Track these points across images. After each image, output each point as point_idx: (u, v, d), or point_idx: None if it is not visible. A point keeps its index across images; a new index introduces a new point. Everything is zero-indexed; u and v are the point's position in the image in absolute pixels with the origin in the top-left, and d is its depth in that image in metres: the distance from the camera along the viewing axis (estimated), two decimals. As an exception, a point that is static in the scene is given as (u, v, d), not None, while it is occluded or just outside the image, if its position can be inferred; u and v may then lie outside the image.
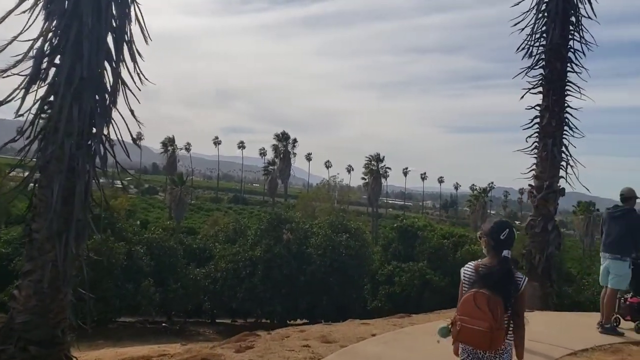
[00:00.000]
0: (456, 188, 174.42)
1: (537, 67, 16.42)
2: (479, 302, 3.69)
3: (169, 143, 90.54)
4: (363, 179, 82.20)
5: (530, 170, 16.78)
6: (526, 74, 16.46)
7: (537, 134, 16.52)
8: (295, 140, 78.88)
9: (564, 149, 16.28)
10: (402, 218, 26.57)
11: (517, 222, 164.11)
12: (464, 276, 4.15)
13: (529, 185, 16.88)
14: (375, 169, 77.67)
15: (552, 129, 16.07)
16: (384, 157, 78.33)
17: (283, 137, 78.21)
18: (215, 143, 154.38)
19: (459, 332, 3.76)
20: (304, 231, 21.68)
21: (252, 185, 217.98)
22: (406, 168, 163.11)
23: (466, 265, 4.15)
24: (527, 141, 16.71)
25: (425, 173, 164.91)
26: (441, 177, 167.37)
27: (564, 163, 16.27)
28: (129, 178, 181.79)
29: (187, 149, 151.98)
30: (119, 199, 77.50)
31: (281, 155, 77.61)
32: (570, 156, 16.23)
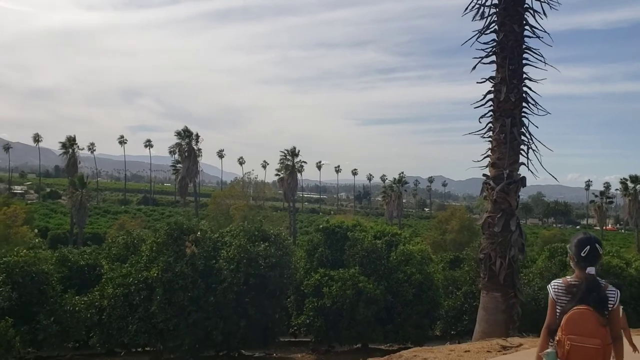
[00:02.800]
0: (369, 179, 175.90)
1: (490, 30, 13.61)
2: (587, 319, 3.68)
3: (68, 143, 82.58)
4: (277, 174, 78.85)
5: (485, 157, 14.01)
6: (477, 39, 13.59)
7: (491, 113, 13.75)
8: (198, 136, 73.97)
9: (524, 130, 13.62)
10: (327, 219, 23.27)
11: (426, 210, 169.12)
12: (555, 293, 4.00)
13: (484, 175, 14.07)
14: (290, 164, 74.43)
15: (510, 105, 13.26)
16: (299, 151, 75.33)
17: (185, 134, 73.15)
18: (120, 142, 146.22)
19: (569, 352, 3.66)
20: (212, 242, 17.78)
21: (164, 185, 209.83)
22: (320, 162, 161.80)
23: (554, 282, 4.07)
24: (480, 122, 13.92)
25: (339, 166, 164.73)
26: (354, 169, 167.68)
27: (524, 147, 13.61)
28: (28, 183, 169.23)
29: (91, 150, 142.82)
30: (11, 206, 69.89)
31: (185, 153, 72.49)
32: (532, 138, 13.59)
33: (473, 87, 13.76)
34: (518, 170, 13.59)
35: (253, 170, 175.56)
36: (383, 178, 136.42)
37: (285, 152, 75.32)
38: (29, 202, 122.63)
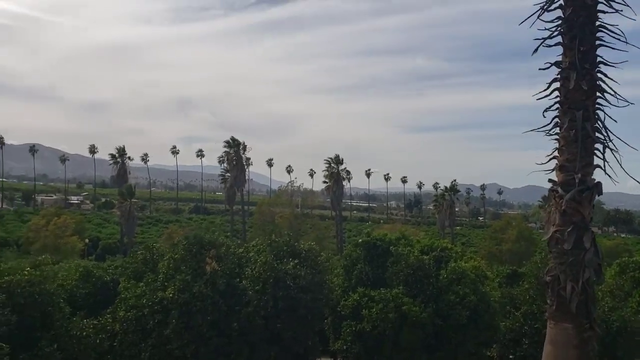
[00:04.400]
0: (420, 187, 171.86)
1: (555, 5, 11.28)
2: None
3: (118, 154, 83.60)
4: (325, 182, 77.00)
5: (551, 159, 11.64)
6: (539, 16, 11.29)
7: (558, 105, 11.38)
8: (245, 145, 73.25)
9: (598, 124, 11.16)
10: (368, 230, 21.00)
11: (480, 218, 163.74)
12: None
13: (550, 181, 11.67)
14: (335, 171, 72.59)
15: (581, 95, 10.88)
16: (342, 159, 73.51)
17: (233, 144, 72.55)
18: (173, 153, 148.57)
19: None
20: (236, 257, 15.90)
21: (215, 194, 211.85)
22: (369, 170, 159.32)
23: None
24: (544, 116, 11.55)
25: (388, 174, 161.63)
26: (404, 177, 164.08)
27: (599, 145, 11.14)
28: (85, 193, 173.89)
29: (145, 160, 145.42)
30: (62, 216, 70.75)
31: (233, 162, 71.84)
32: (609, 134, 11.10)
33: (528, 92, 11.44)
34: (592, 174, 11.12)
35: (296, 178, 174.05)
36: (435, 186, 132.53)
37: (330, 159, 73.58)
38: (84, 212, 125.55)
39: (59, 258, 55.13)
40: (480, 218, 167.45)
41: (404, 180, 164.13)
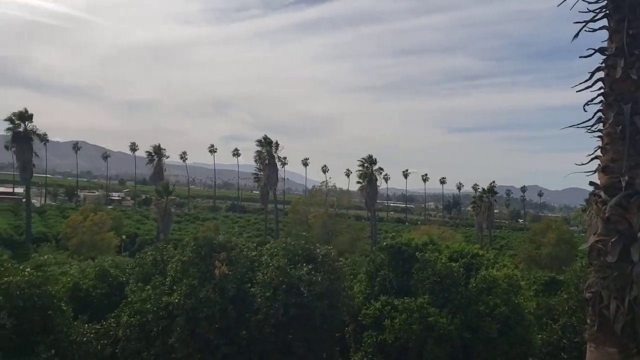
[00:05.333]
0: (459, 188, 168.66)
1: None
2: None
3: (154, 152, 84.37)
4: (359, 182, 75.85)
5: (592, 159, 10.28)
6: (582, -4, 9.94)
7: (602, 98, 10.00)
8: (277, 144, 72.72)
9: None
10: (393, 234, 19.79)
11: (519, 221, 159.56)
12: None
13: (591, 184, 10.31)
14: (369, 172, 71.38)
15: (630, 85, 9.48)
16: (376, 159, 72.19)
17: (265, 142, 72.11)
18: (211, 151, 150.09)
19: None
20: (249, 261, 14.94)
21: (252, 192, 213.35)
22: (406, 170, 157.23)
23: None
24: (585, 110, 10.19)
25: (426, 174, 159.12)
26: (443, 178, 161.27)
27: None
28: (126, 190, 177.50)
29: (184, 159, 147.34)
30: (99, 213, 71.70)
31: (266, 161, 71.40)
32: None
33: (569, 92, 10.03)
34: (641, 176, 9.70)
35: (330, 178, 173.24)
36: (474, 187, 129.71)
37: (363, 160, 72.40)
38: (124, 208, 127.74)
39: (95, 254, 55.70)
40: (520, 220, 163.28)
41: (442, 181, 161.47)
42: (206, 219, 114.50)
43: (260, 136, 75.95)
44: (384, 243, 18.48)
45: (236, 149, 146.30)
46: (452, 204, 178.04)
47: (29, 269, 14.81)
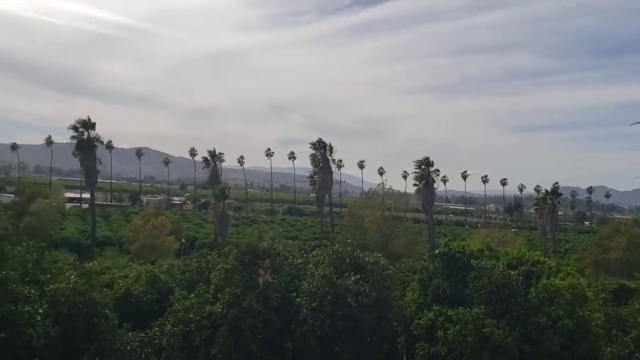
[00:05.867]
0: (520, 190, 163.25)
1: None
2: None
3: (210, 157, 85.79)
4: (415, 184, 74.45)
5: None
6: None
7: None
8: (332, 147, 72.30)
9: None
10: (447, 240, 18.88)
11: (586, 223, 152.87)
12: None
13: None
14: (425, 173, 69.82)
15: None
16: (433, 161, 70.53)
17: (320, 145, 71.86)
18: (267, 155, 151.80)
19: None
20: (294, 269, 14.53)
21: (309, 195, 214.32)
22: (465, 172, 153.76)
23: None
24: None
25: (486, 176, 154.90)
26: (504, 180, 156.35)
27: None
28: (187, 194, 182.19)
29: (241, 162, 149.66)
30: (159, 217, 73.61)
31: (320, 164, 71.12)
32: None
33: (637, 87, 9.06)
34: None
35: (386, 180, 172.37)
36: (537, 189, 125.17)
37: (419, 162, 70.92)
38: (185, 212, 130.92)
39: (156, 257, 57.04)
40: (586, 223, 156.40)
41: (503, 183, 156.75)
42: (264, 222, 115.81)
43: (316, 139, 75.87)
44: (437, 250, 17.69)
45: (292, 152, 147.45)
46: (514, 206, 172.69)
47: (73, 276, 14.89)
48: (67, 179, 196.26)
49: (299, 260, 15.57)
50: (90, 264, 16.82)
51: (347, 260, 14.93)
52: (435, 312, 15.42)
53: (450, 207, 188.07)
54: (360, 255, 15.37)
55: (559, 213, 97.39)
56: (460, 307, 15.34)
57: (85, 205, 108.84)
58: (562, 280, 16.54)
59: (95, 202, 77.22)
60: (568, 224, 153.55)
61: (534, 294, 15.58)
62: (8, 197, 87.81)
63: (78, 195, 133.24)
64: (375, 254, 15.84)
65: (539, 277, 16.44)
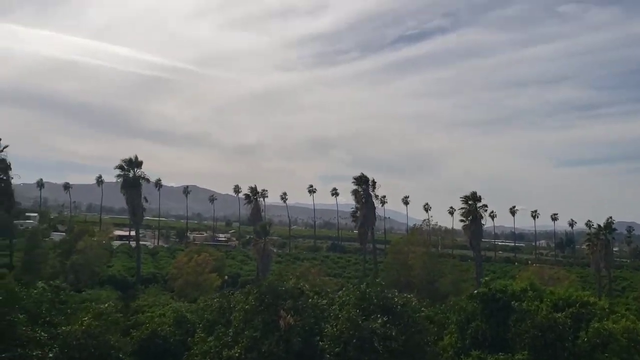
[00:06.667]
0: (571, 225, 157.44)
1: None
2: None
3: (252, 193, 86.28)
4: (462, 220, 72.52)
5: None
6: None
7: None
8: (374, 183, 71.37)
9: None
10: (486, 279, 17.71)
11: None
12: None
13: None
14: (472, 209, 67.85)
15: None
16: (480, 196, 68.50)
17: (362, 181, 71.13)
18: (310, 191, 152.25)
19: None
20: (319, 310, 13.75)
21: (353, 232, 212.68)
22: (514, 207, 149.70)
23: None
24: None
25: (536, 211, 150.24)
26: (554, 214, 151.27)
27: None
28: (232, 231, 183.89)
29: (284, 199, 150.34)
30: (202, 254, 74.08)
31: (362, 200, 70.26)
32: None
33: None
34: None
35: (432, 216, 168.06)
36: (588, 224, 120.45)
37: (466, 197, 69.10)
38: (229, 249, 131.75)
39: (198, 294, 57.06)
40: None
41: (554, 218, 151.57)
42: (307, 259, 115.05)
43: (358, 174, 75.16)
44: (476, 291, 16.56)
45: (334, 189, 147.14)
46: (565, 241, 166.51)
47: (87, 318, 14.44)
48: (118, 217, 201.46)
49: (324, 301, 14.74)
50: (106, 305, 16.48)
51: (375, 301, 14.02)
52: (474, 358, 14.32)
53: (499, 243, 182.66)
54: (389, 295, 14.45)
55: (614, 249, 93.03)
56: (501, 353, 14.19)
57: (134, 243, 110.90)
58: (616, 323, 15.13)
59: (143, 239, 78.39)
60: (625, 260, 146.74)
61: (584, 339, 14.30)
62: (60, 236, 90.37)
63: (127, 233, 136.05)
64: (405, 295, 14.90)
65: (589, 320, 15.13)
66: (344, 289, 17.60)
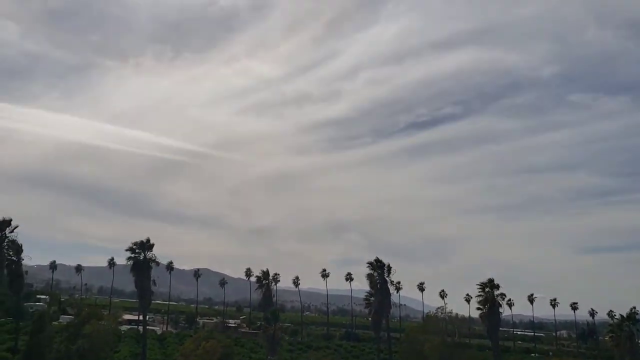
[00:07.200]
0: (592, 315, 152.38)
1: None
2: None
3: (263, 277, 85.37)
4: (479, 308, 70.59)
5: None
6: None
7: None
8: (390, 267, 70.40)
9: None
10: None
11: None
12: None
13: None
14: (490, 296, 66.09)
15: None
16: (498, 284, 66.80)
17: (377, 265, 70.20)
18: (323, 276, 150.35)
19: None
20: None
21: (367, 319, 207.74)
22: (532, 294, 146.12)
23: None
24: None
25: (555, 299, 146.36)
26: (574, 303, 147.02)
27: None
28: (242, 316, 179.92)
29: (296, 284, 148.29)
30: (210, 341, 72.38)
31: (377, 285, 69.04)
32: None
33: None
34: None
35: (447, 304, 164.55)
36: (610, 314, 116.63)
37: (483, 284, 67.49)
38: (239, 335, 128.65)
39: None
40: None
41: (573, 307, 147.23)
42: (319, 348, 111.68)
43: (372, 259, 74.08)
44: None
45: (349, 274, 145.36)
46: (587, 332, 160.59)
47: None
48: (128, 300, 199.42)
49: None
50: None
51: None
52: None
53: (518, 332, 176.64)
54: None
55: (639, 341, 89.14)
56: None
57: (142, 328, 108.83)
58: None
59: (152, 324, 76.94)
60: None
61: None
62: (69, 319, 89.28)
63: (136, 317, 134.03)
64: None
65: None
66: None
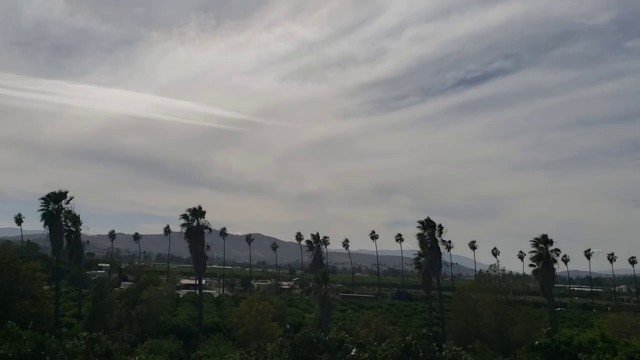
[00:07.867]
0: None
1: None
2: None
3: (313, 240, 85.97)
4: (532, 265, 69.12)
5: None
6: None
7: None
8: (441, 227, 69.39)
9: None
10: (547, 329, 16.28)
11: None
12: None
13: None
14: (544, 253, 64.44)
15: None
16: (552, 239, 64.93)
17: (427, 225, 69.29)
18: (372, 238, 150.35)
19: None
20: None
21: (418, 278, 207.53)
22: (589, 250, 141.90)
23: None
24: None
25: (613, 254, 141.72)
26: (633, 258, 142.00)
27: None
28: (295, 279, 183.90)
29: (346, 246, 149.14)
30: (262, 302, 73.93)
31: (428, 245, 68.30)
32: None
33: None
34: None
35: (499, 262, 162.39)
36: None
37: (536, 240, 65.79)
38: (293, 296, 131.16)
39: (261, 343, 56.55)
40: None
41: (632, 261, 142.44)
42: (371, 307, 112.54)
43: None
44: (537, 342, 15.19)
45: (399, 234, 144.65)
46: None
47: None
48: (185, 265, 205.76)
49: (365, 355, 13.80)
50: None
51: (421, 354, 13.00)
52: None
53: (575, 289, 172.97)
54: (437, 348, 13.42)
55: None
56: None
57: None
58: None
59: (208, 288, 79.24)
60: None
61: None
62: (129, 285, 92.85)
63: (194, 282, 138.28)
64: (455, 348, 13.81)
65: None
66: (387, 340, 16.60)
